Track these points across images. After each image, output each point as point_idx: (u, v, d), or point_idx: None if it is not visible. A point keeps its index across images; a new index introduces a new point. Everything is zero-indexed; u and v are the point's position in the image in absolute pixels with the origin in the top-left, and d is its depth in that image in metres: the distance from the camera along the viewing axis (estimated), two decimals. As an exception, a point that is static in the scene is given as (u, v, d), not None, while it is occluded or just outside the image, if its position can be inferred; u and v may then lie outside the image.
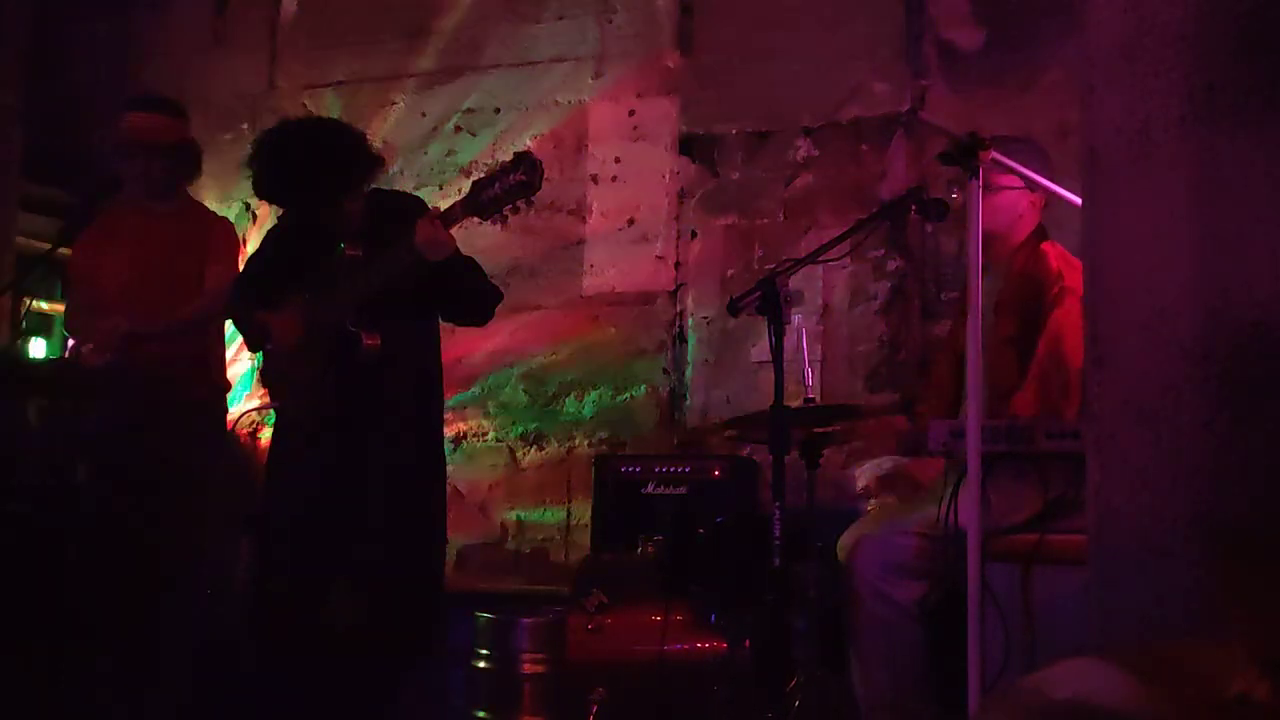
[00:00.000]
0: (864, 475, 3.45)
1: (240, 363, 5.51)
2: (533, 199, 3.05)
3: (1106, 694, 1.27)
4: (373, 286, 3.26)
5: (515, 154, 3.05)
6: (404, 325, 3.40)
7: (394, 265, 3.21)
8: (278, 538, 3.46)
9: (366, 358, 3.31)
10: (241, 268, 3.93)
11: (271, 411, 3.75)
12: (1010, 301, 3.21)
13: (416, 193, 4.13)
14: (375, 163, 3.40)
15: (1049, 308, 3.10)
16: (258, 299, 3.53)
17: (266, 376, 3.60)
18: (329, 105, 5.61)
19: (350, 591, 3.35)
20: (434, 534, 3.54)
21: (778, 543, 2.96)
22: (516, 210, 3.06)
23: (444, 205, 3.22)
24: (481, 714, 3.73)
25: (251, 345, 3.64)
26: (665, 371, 5.06)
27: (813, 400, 3.56)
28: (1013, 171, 2.95)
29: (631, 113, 5.20)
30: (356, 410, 3.37)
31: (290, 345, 3.42)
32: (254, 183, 3.37)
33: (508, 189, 3.01)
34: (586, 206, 5.22)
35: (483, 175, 3.10)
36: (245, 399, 5.55)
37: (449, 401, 4.87)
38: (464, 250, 3.36)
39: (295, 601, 3.36)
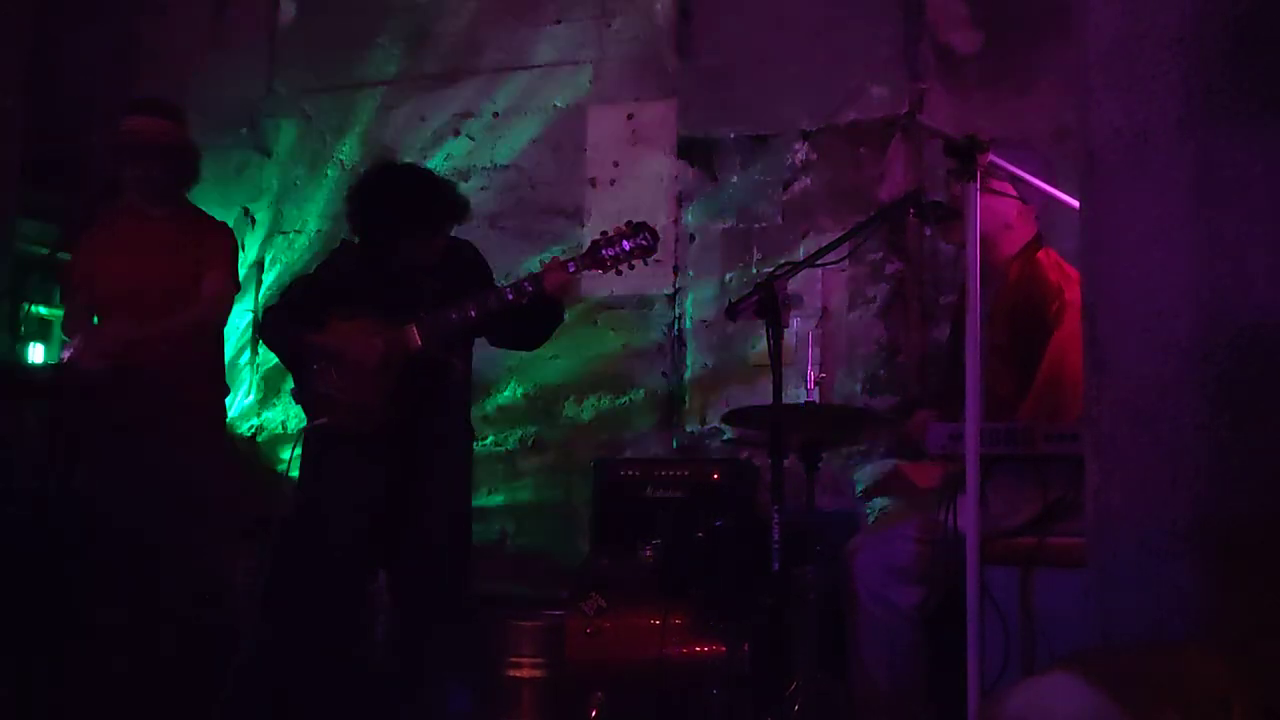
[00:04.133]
0: (864, 478, 3.45)
1: (240, 367, 5.52)
2: (648, 261, 3.61)
3: (1065, 711, 1.25)
4: (472, 321, 3.58)
5: (637, 223, 3.57)
6: (469, 345, 3.79)
7: (498, 303, 3.56)
8: (329, 548, 3.58)
9: (448, 380, 3.64)
10: (289, 291, 3.99)
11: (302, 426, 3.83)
12: (1004, 310, 3.19)
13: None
14: (463, 209, 3.72)
15: (1051, 324, 3.08)
16: (310, 322, 3.66)
17: (309, 394, 3.68)
18: (327, 109, 5.62)
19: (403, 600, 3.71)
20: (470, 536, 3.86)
21: (777, 546, 2.96)
22: (633, 268, 3.60)
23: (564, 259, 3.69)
24: (481, 718, 3.73)
25: (298, 365, 3.71)
26: (664, 375, 5.05)
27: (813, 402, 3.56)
28: (1010, 175, 2.95)
29: (630, 116, 5.20)
30: (422, 424, 3.60)
31: (372, 366, 3.55)
32: (350, 216, 3.70)
33: (631, 250, 3.55)
34: (585, 210, 5.21)
35: (602, 236, 3.58)
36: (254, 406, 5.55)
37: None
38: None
39: (342, 608, 3.60)
